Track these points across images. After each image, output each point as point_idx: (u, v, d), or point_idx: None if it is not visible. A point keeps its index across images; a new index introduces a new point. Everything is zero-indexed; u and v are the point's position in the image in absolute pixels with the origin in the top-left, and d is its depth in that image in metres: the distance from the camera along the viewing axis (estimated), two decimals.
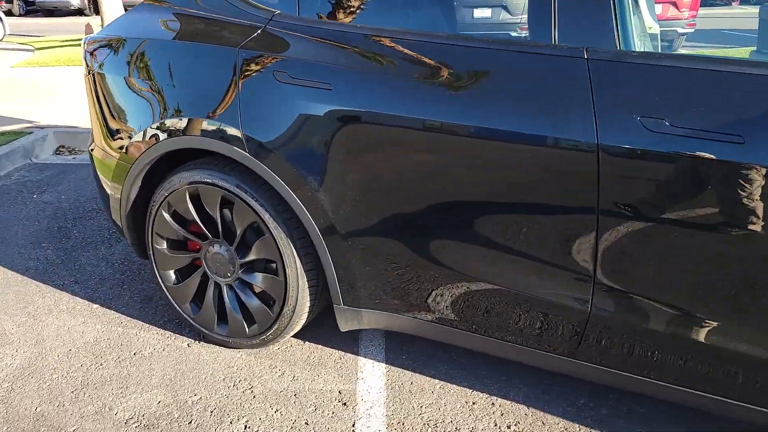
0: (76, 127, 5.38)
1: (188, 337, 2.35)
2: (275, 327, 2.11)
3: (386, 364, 2.18)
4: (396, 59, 1.74)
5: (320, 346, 2.28)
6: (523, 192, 1.59)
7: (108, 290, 2.71)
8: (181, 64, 2.05)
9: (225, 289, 2.19)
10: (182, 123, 2.01)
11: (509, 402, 1.98)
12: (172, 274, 2.29)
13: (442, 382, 2.08)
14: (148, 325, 2.44)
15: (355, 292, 1.96)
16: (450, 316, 1.87)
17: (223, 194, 2.01)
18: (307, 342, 2.31)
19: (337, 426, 1.88)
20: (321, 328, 2.34)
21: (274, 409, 1.95)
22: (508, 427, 1.86)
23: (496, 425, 1.88)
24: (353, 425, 1.88)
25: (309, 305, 2.07)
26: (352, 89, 1.75)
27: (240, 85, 1.89)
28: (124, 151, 2.18)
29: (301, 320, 2.10)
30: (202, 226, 2.12)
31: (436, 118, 1.64)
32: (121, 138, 2.22)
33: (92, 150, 2.47)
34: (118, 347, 2.29)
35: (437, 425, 1.88)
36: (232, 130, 1.91)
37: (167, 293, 2.31)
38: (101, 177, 2.40)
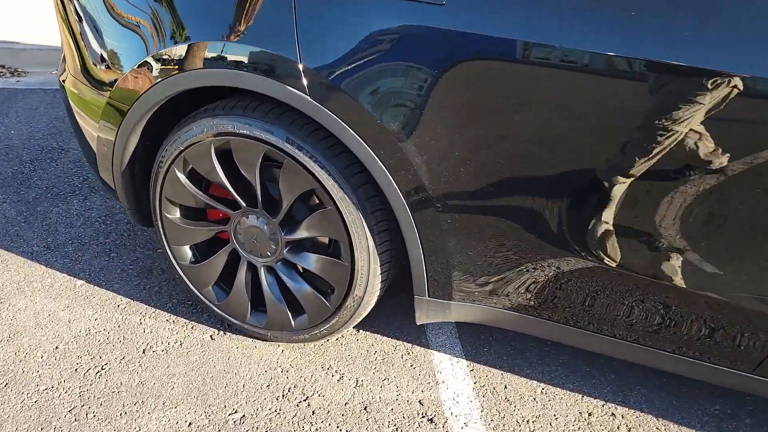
0: (17, 43, 4.52)
1: (208, 326, 1.86)
2: (333, 321, 1.64)
3: (467, 360, 1.76)
4: None
5: (379, 337, 1.83)
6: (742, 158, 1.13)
7: (92, 260, 2.15)
8: None
9: (263, 272, 1.68)
10: (206, 48, 1.42)
11: (632, 411, 1.60)
12: (187, 250, 1.76)
13: (542, 385, 1.68)
14: (153, 309, 1.92)
15: (447, 282, 1.50)
16: (580, 315, 1.44)
17: (266, 151, 1.47)
18: (361, 331, 1.85)
19: None
20: (374, 313, 1.89)
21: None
22: None
23: None
24: None
25: (379, 294, 1.60)
26: (476, 5, 1.21)
27: None
28: (117, 87, 1.58)
29: (365, 311, 1.63)
30: (232, 191, 1.58)
31: (608, 51, 1.13)
32: (112, 68, 1.61)
33: (64, 81, 1.84)
34: (120, 342, 1.78)
35: None
36: (283, 61, 1.34)
37: (182, 274, 1.79)
38: (82, 121, 1.79)
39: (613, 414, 1.59)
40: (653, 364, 1.46)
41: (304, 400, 1.60)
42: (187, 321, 1.88)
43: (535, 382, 1.69)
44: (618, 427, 1.55)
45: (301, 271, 1.67)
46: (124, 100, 1.57)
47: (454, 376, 1.69)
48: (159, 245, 2.25)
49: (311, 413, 1.57)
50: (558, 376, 1.71)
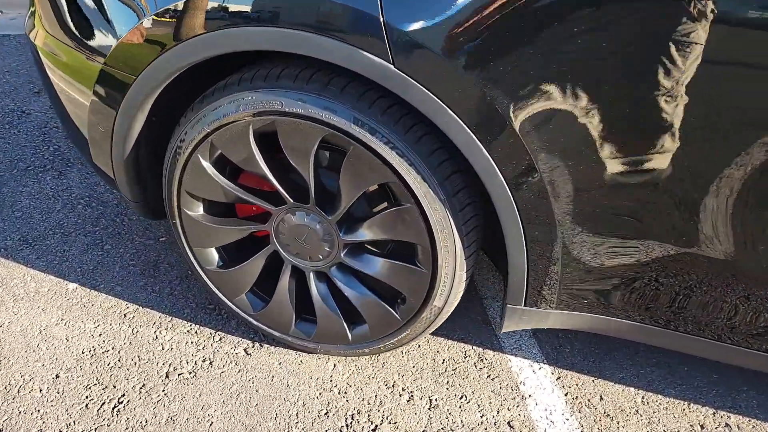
0: None
1: (240, 336, 1.56)
2: (403, 334, 1.36)
3: (549, 365, 1.52)
4: None
5: (443, 341, 1.57)
6: None
7: (82, 255, 1.79)
8: None
9: (312, 278, 1.38)
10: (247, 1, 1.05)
11: (746, 419, 1.40)
12: (214, 253, 1.43)
13: (640, 392, 1.46)
14: (168, 318, 1.60)
15: (552, 290, 1.23)
16: (720, 327, 1.19)
17: (325, 135, 1.13)
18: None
19: None
20: None
21: None
22: None
23: None
24: None
25: (458, 302, 1.32)
26: None
27: None
28: (119, 49, 1.19)
29: (441, 322, 1.35)
30: (277, 184, 1.24)
31: None
32: (106, 26, 1.21)
33: (35, 39, 1.42)
34: (135, 365, 1.47)
35: None
36: (357, 15, 0.99)
37: (208, 282, 1.47)
38: (64, 95, 1.39)
39: (727, 425, 1.39)
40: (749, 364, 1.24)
41: (374, 431, 1.34)
42: (212, 331, 1.57)
43: (632, 389, 1.47)
44: None
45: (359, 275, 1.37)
46: (129, 68, 1.19)
47: (540, 388, 1.45)
48: (160, 233, 1.89)
49: None
50: (655, 379, 1.49)
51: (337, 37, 1.01)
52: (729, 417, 1.41)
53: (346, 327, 1.40)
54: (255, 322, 1.49)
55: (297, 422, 1.35)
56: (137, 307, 1.64)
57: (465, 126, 1.03)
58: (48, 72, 1.40)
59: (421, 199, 1.14)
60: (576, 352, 1.56)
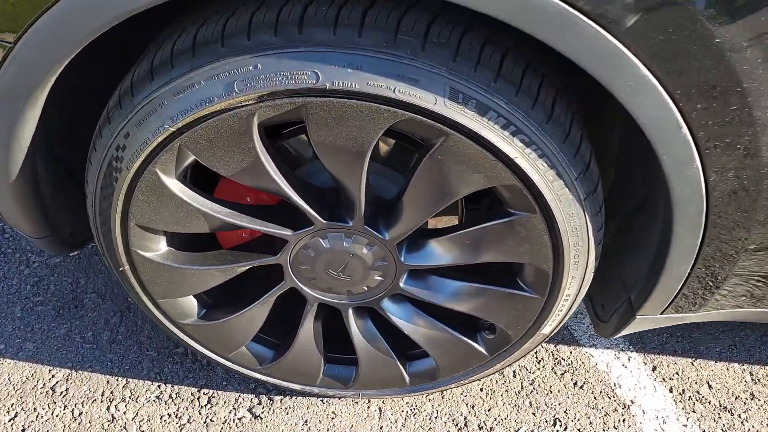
0: None
1: (235, 391, 1.11)
2: (487, 370, 0.98)
3: (639, 353, 1.23)
4: None
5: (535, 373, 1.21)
6: None
7: (22, 306, 1.21)
8: None
9: (351, 316, 0.93)
10: None
11: None
12: (190, 302, 0.93)
13: (746, 366, 1.22)
14: (120, 380, 1.11)
15: (705, 297, 0.88)
16: None
17: (398, 121, 0.65)
18: None
19: None
20: None
21: None
22: None
23: None
24: None
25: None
26: None
27: None
28: None
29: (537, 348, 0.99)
30: (300, 201, 0.75)
31: None
32: None
33: None
34: None
35: None
36: None
37: (186, 339, 0.98)
38: None
39: None
40: None
41: None
42: (194, 390, 1.11)
43: (735, 365, 1.21)
44: None
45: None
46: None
47: (639, 388, 1.16)
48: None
49: None
50: (753, 345, 1.25)
51: None
52: None
53: (402, 369, 0.99)
54: (263, 378, 1.04)
55: None
56: (67, 372, 1.12)
57: (666, 93, 0.60)
58: None
59: (553, 204, 0.72)
60: (660, 328, 1.27)
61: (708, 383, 1.18)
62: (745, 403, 1.16)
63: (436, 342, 0.95)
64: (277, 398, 1.10)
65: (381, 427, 1.07)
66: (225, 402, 1.09)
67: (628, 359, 1.21)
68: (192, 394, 1.10)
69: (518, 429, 1.09)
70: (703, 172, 0.67)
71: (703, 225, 0.74)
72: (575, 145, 0.71)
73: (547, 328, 0.90)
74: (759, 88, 0.60)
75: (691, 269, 0.82)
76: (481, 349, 0.95)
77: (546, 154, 0.68)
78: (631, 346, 1.24)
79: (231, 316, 0.93)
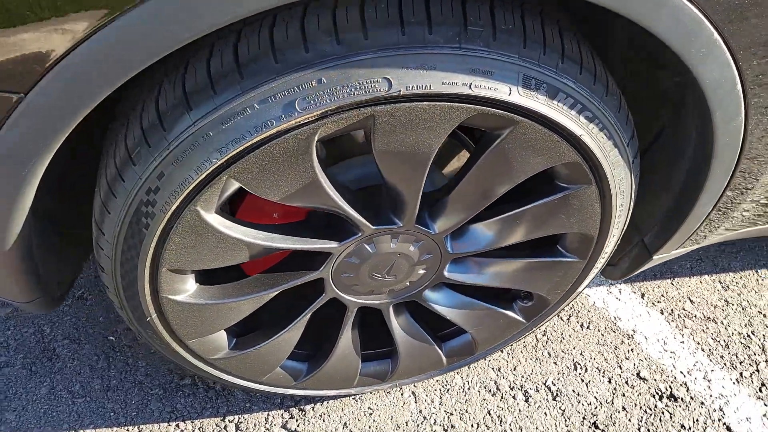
0: None
1: (262, 411, 1.06)
2: (524, 335, 1.01)
3: (626, 284, 1.31)
4: None
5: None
6: None
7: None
8: None
9: (391, 313, 0.90)
10: None
11: None
12: (221, 336, 0.84)
13: (715, 276, 1.35)
14: (127, 430, 1.01)
15: (713, 229, 0.95)
16: None
17: (472, 115, 0.61)
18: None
19: None
20: None
21: None
22: None
23: None
24: None
25: None
26: None
27: None
28: None
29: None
30: (350, 210, 0.70)
31: None
32: None
33: None
34: None
35: None
36: None
37: (219, 374, 0.90)
38: None
39: None
40: None
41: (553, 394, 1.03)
42: (217, 420, 1.03)
43: (705, 276, 1.34)
44: None
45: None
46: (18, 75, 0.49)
47: (636, 316, 1.25)
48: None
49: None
50: (717, 256, 1.38)
51: None
52: None
53: (441, 351, 0.99)
54: (297, 392, 0.99)
55: None
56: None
57: (729, 55, 0.61)
58: None
59: (608, 173, 0.73)
60: None
61: (689, 299, 1.30)
62: (723, 310, 1.28)
63: (476, 319, 0.95)
64: (308, 407, 1.06)
65: (420, 411, 1.07)
66: (255, 425, 1.03)
67: (620, 292, 1.30)
68: (217, 424, 1.03)
69: (545, 381, 1.13)
70: (744, 122, 0.70)
71: (732, 169, 0.79)
72: (625, 111, 0.71)
73: (584, 286, 0.94)
74: None
75: (711, 209, 0.87)
76: (519, 317, 0.96)
77: (606, 126, 0.68)
78: (616, 282, 1.32)
79: (268, 339, 0.86)
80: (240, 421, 1.04)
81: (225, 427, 1.03)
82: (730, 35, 0.60)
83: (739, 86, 0.65)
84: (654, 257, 0.98)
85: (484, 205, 0.74)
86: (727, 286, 1.33)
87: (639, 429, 1.08)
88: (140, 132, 0.60)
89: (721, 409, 1.11)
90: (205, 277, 0.78)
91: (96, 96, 0.51)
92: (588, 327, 1.22)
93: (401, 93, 0.58)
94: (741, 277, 1.35)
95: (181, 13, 0.48)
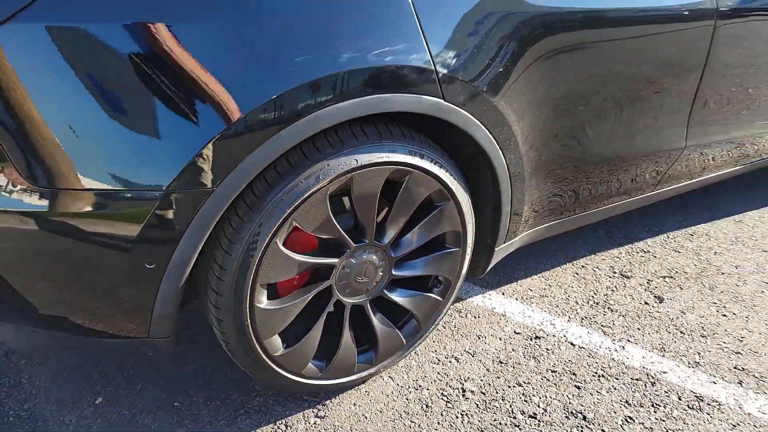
0: None
1: (288, 413, 1.57)
2: (444, 308, 1.69)
3: (490, 289, 2.07)
4: None
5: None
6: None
7: None
8: None
9: (369, 308, 1.55)
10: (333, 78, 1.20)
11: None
12: (277, 339, 1.43)
13: (545, 275, 2.16)
14: None
15: (518, 225, 1.77)
16: (583, 205, 1.95)
17: (390, 172, 1.37)
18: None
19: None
20: None
21: None
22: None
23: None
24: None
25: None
26: None
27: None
28: (187, 172, 1.12)
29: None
30: (344, 235, 1.39)
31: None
32: (167, 150, 1.11)
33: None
34: None
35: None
36: (419, 69, 1.29)
37: (278, 370, 1.45)
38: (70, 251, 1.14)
39: (613, 270, 2.23)
40: (619, 212, 2.10)
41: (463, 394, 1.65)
42: (272, 426, 1.53)
43: (535, 277, 2.15)
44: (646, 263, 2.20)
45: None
46: (201, 183, 1.13)
47: (504, 305, 1.99)
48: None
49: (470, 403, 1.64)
50: (537, 269, 2.22)
51: (407, 91, 1.28)
52: (616, 262, 2.25)
53: (401, 335, 1.63)
54: (318, 383, 1.54)
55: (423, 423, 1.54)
56: None
57: (486, 129, 1.45)
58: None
59: (459, 196, 1.51)
60: (499, 269, 2.15)
61: (529, 289, 2.08)
62: (547, 290, 2.08)
63: (416, 303, 1.62)
64: (327, 401, 1.59)
65: (398, 384, 1.66)
66: (297, 420, 1.54)
67: (489, 295, 2.04)
68: (272, 428, 1.52)
69: (465, 347, 1.79)
70: (506, 161, 1.54)
71: (509, 184, 1.61)
72: (456, 165, 1.51)
73: (464, 268, 1.67)
74: (521, 131, 1.50)
75: (510, 215, 1.69)
76: (438, 297, 1.65)
77: (449, 171, 1.47)
78: (488, 287, 2.07)
79: (303, 337, 1.45)
80: (286, 420, 1.54)
81: (278, 427, 1.52)
82: (491, 128, 1.45)
83: (501, 153, 1.50)
84: (495, 249, 1.76)
85: (406, 219, 1.47)
86: (547, 278, 2.15)
87: (524, 356, 1.77)
88: (244, 205, 1.25)
89: (564, 336, 1.85)
90: (269, 295, 1.38)
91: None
92: (477, 316, 1.93)
93: (362, 164, 1.31)
94: (555, 273, 2.18)
95: (280, 147, 1.18)
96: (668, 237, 2.45)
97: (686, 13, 1.75)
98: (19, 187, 1.09)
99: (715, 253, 2.34)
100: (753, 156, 2.44)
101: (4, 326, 1.31)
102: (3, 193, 1.10)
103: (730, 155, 2.32)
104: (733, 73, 2.00)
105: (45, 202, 1.09)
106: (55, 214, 1.10)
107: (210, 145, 1.11)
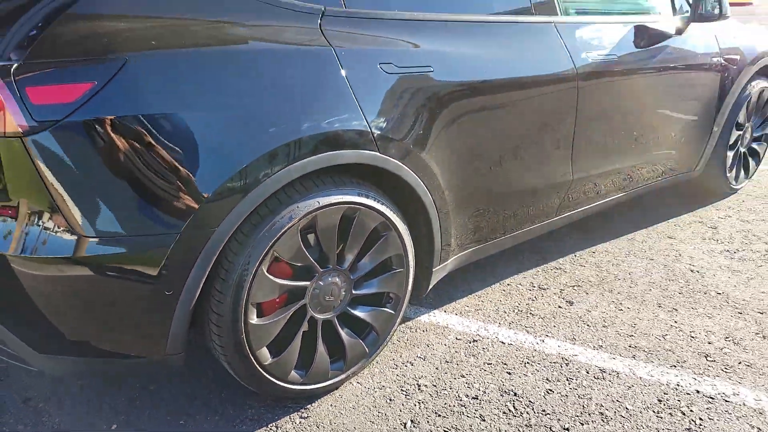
0: None
1: (277, 418, 1.91)
2: (396, 321, 2.09)
3: (434, 309, 2.49)
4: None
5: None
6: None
7: None
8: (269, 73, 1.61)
9: (336, 323, 1.93)
10: (303, 138, 1.63)
11: (550, 280, 2.74)
12: (265, 350, 1.78)
13: (475, 293, 2.61)
14: None
15: (448, 250, 2.21)
16: (500, 231, 2.43)
17: (344, 210, 1.81)
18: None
19: None
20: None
21: None
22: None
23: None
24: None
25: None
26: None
27: (349, 83, 1.75)
28: (206, 209, 1.51)
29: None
30: (314, 262, 1.80)
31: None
32: (187, 194, 1.50)
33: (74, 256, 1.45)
34: None
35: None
36: (359, 131, 1.75)
37: (268, 377, 1.80)
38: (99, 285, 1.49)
39: (532, 285, 2.69)
40: (532, 235, 2.59)
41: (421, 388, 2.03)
42: (266, 429, 1.85)
43: (469, 297, 2.59)
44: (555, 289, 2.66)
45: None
46: (206, 225, 1.53)
47: (447, 318, 2.41)
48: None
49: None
50: (479, 277, 2.66)
51: (351, 148, 1.74)
52: (536, 278, 2.71)
53: (364, 344, 2.00)
54: (300, 388, 1.88)
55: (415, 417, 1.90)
56: None
57: (413, 173, 1.92)
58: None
59: (399, 226, 1.95)
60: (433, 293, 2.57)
61: (465, 306, 2.51)
62: (477, 305, 2.52)
63: (374, 317, 2.01)
64: (308, 405, 1.93)
65: (359, 383, 2.02)
66: (286, 421, 1.87)
67: (434, 314, 2.45)
68: (265, 430, 1.84)
69: (421, 354, 2.18)
70: (432, 198, 2.00)
71: (437, 215, 2.06)
72: (395, 203, 1.96)
73: (410, 287, 2.08)
74: (442, 175, 1.97)
75: (441, 236, 2.14)
76: (391, 311, 2.05)
77: (391, 209, 1.91)
78: (432, 307, 2.48)
79: (286, 348, 1.81)
80: (276, 423, 1.86)
81: (270, 429, 1.84)
82: (418, 173, 1.91)
83: (428, 192, 1.96)
84: (433, 270, 2.19)
85: (359, 246, 1.88)
86: (479, 296, 2.59)
87: (465, 355, 2.17)
88: (237, 242, 1.64)
89: (496, 337, 2.28)
90: (257, 314, 1.74)
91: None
92: (425, 330, 2.33)
93: (323, 205, 1.73)
94: (486, 291, 2.62)
95: (262, 194, 1.60)
96: (575, 255, 2.96)
97: (556, 77, 2.32)
98: (69, 236, 1.44)
99: (612, 264, 2.86)
100: (636, 183, 3.02)
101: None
102: (55, 241, 1.44)
103: (615, 184, 2.88)
104: (600, 119, 2.58)
105: (91, 248, 1.45)
106: (98, 258, 1.46)
107: (212, 197, 1.51)
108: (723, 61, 3.14)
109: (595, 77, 2.46)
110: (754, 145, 3.72)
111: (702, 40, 3.00)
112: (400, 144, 1.85)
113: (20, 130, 1.34)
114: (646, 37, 2.75)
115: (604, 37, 2.55)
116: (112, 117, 1.41)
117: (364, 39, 1.84)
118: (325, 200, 1.73)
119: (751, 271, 2.75)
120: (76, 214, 1.43)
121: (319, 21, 1.76)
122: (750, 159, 3.73)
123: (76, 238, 1.44)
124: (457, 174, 2.09)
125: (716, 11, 2.84)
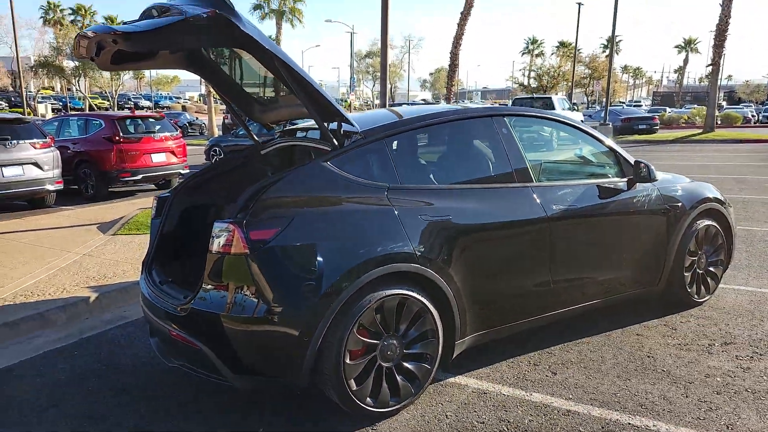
0: None
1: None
2: (431, 377, 3.28)
3: (467, 375, 3.65)
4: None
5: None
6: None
7: None
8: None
9: (394, 369, 3.14)
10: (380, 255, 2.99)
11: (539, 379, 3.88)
12: (353, 380, 3.00)
13: (508, 367, 3.76)
14: None
15: (464, 329, 3.43)
16: (500, 321, 3.64)
17: (400, 299, 3.10)
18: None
19: None
20: None
21: None
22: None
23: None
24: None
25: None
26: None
27: (403, 226, 3.13)
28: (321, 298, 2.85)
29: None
30: (383, 330, 3.06)
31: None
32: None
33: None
34: None
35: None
36: (408, 253, 3.10)
37: (353, 398, 2.99)
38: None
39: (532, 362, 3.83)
40: (526, 327, 3.79)
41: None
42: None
43: (487, 367, 3.74)
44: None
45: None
46: (322, 310, 2.86)
47: (469, 380, 3.56)
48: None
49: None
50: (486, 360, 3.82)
51: (403, 262, 3.07)
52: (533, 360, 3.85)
53: (410, 386, 3.19)
54: (371, 409, 3.05)
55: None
56: None
57: (441, 278, 3.22)
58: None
59: (432, 311, 3.21)
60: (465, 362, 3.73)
61: (484, 372, 3.66)
62: (496, 371, 3.66)
63: (417, 368, 3.20)
64: (376, 425, 3.10)
65: (408, 414, 3.17)
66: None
67: (460, 376, 3.61)
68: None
69: (458, 402, 3.32)
70: (453, 296, 3.27)
71: (455, 302, 3.31)
72: (432, 295, 3.24)
73: (440, 352, 3.29)
74: (454, 276, 3.26)
75: (459, 316, 3.37)
76: (428, 366, 3.24)
77: (426, 298, 3.19)
78: (461, 373, 3.64)
79: (365, 381, 3.02)
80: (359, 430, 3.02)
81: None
82: (445, 280, 3.21)
83: (451, 292, 3.24)
84: (455, 343, 3.40)
85: (407, 324, 3.14)
86: (491, 368, 3.73)
87: (493, 411, 3.30)
88: (342, 314, 2.93)
89: (500, 390, 3.41)
90: (350, 357, 2.98)
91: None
92: (456, 387, 3.49)
93: (387, 295, 3.03)
94: (493, 367, 3.77)
95: (354, 288, 2.93)
96: (564, 345, 4.09)
97: (532, 221, 3.66)
98: (253, 305, 2.79)
99: (590, 351, 3.97)
100: (608, 293, 4.20)
101: None
102: (245, 307, 2.79)
103: (588, 293, 4.07)
104: (568, 246, 3.86)
105: (260, 311, 2.79)
106: (266, 319, 2.79)
107: (329, 289, 2.85)
108: (667, 207, 4.42)
109: (562, 220, 3.79)
110: (711, 268, 4.86)
111: (645, 193, 4.33)
112: (433, 261, 3.17)
113: (246, 251, 2.75)
114: (602, 192, 4.10)
115: (567, 195, 3.91)
116: (287, 245, 2.82)
117: (411, 202, 3.25)
118: (389, 292, 3.04)
119: (691, 356, 3.81)
120: (260, 293, 2.78)
121: (386, 193, 3.19)
122: (709, 279, 4.84)
123: (256, 305, 2.78)
124: (468, 281, 3.37)
125: (649, 176, 4.20)
